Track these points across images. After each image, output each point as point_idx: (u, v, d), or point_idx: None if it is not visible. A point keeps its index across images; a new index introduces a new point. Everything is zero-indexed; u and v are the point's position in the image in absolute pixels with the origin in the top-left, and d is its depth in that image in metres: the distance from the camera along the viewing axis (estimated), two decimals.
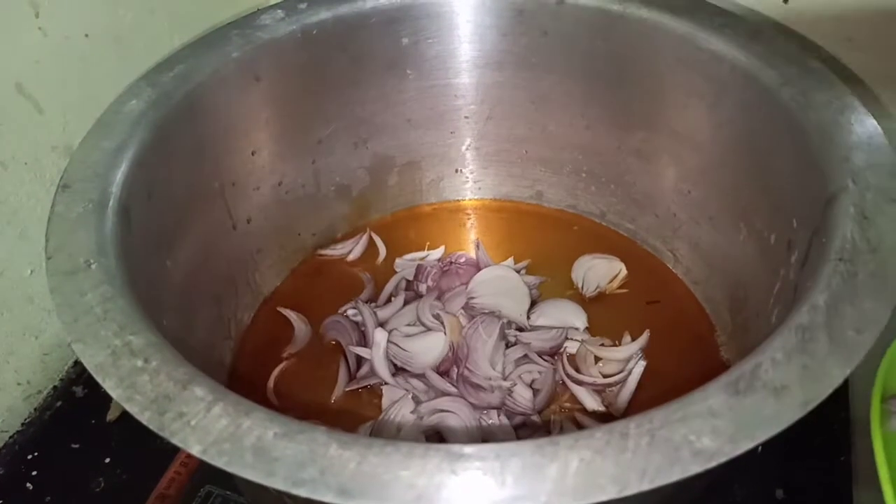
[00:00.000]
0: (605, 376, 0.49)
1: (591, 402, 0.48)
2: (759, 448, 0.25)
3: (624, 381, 0.48)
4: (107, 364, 0.29)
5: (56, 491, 0.48)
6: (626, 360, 0.50)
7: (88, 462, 0.49)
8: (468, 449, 0.25)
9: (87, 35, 0.50)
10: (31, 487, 0.48)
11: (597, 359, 0.50)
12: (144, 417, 0.27)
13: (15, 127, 0.47)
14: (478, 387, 0.46)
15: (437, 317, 0.51)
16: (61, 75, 0.49)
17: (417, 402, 0.47)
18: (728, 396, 0.27)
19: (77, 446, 0.50)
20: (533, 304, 0.53)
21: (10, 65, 0.46)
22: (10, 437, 0.51)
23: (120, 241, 0.36)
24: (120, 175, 0.38)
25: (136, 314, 0.32)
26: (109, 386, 0.28)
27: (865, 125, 0.38)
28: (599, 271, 0.56)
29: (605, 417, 0.47)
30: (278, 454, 0.26)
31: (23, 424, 0.52)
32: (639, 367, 0.49)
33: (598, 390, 0.48)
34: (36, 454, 0.50)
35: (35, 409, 0.53)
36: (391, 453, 0.25)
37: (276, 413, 0.27)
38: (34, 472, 0.49)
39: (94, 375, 0.29)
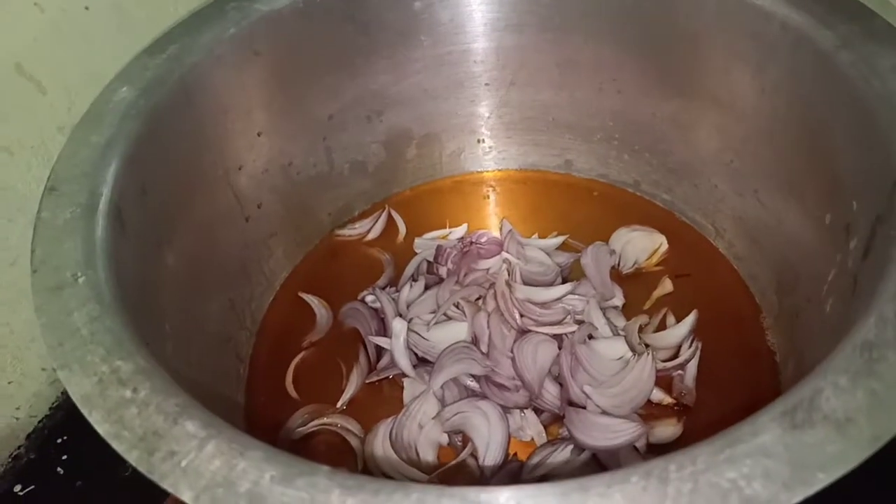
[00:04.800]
0: None
1: (657, 394, 0.44)
2: None
3: (682, 366, 0.45)
4: (94, 395, 0.27)
5: (86, 476, 0.48)
6: (677, 345, 0.46)
7: None
8: (484, 496, 0.23)
9: (86, 7, 0.48)
10: (61, 472, 0.48)
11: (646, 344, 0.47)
12: (132, 457, 0.25)
13: (18, 110, 0.45)
14: (502, 387, 0.43)
15: (458, 305, 0.48)
16: (62, 52, 0.47)
17: (443, 403, 0.44)
18: (783, 431, 0.23)
19: None
20: (564, 282, 0.50)
21: (8, 44, 0.44)
22: (39, 422, 0.51)
23: (111, 247, 0.34)
24: (110, 173, 0.36)
25: (124, 335, 0.29)
26: (96, 420, 0.26)
27: None
28: (638, 245, 0.53)
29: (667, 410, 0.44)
30: (275, 502, 0.23)
31: (50, 409, 0.52)
32: (694, 351, 0.45)
33: (663, 378, 0.45)
34: (65, 437, 0.50)
35: (62, 393, 0.52)
36: (401, 500, 0.23)
37: (273, 450, 0.25)
38: (64, 457, 0.49)
39: (80, 408, 0.27)
